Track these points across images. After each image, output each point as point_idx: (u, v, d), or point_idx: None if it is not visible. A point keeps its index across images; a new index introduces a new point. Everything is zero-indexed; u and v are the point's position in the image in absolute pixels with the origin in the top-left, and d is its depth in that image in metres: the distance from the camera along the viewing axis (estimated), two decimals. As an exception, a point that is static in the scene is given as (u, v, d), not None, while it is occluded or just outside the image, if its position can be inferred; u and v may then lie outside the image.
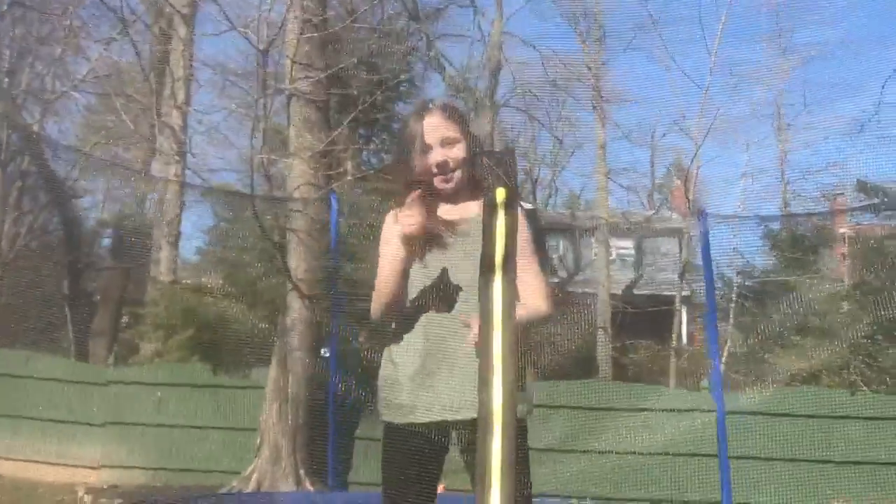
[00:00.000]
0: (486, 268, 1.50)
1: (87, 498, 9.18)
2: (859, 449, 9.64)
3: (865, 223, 17.88)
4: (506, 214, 1.49)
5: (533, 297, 2.53)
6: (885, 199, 9.63)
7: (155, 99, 14.43)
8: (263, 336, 10.03)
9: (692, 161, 21.31)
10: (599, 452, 9.19)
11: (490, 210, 1.51)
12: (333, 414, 6.02)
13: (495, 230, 1.49)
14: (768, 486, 9.09)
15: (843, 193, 26.53)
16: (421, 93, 12.74)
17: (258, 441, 9.52)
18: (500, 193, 1.49)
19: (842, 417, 9.83)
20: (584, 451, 9.28)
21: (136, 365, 11.92)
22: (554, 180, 35.10)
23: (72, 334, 18.99)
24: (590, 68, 23.86)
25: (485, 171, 1.52)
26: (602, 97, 24.91)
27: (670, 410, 9.95)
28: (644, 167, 29.99)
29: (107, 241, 25.19)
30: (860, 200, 12.21)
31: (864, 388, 11.88)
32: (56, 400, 11.40)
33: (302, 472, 9.18)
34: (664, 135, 25.34)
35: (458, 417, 2.30)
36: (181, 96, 14.04)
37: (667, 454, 9.35)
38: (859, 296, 13.18)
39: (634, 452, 9.35)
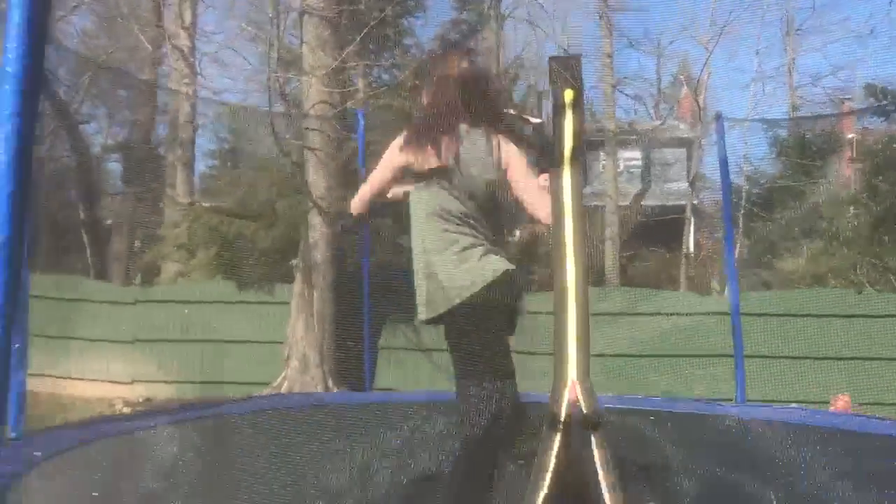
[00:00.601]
0: (556, 162, 1.72)
1: (126, 409, 9.62)
2: (863, 346, 10.02)
3: (872, 127, 17.84)
4: (573, 114, 1.69)
5: (539, 210, 2.78)
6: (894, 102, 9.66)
7: (159, 19, 14.41)
8: (286, 253, 10.29)
9: (703, 68, 21.14)
10: (613, 355, 9.54)
11: (558, 110, 1.71)
12: (368, 318, 6.25)
13: (564, 128, 1.70)
14: (775, 383, 9.46)
15: (850, 98, 26.33)
16: (428, 8, 12.60)
17: (286, 353, 9.91)
18: (568, 94, 1.68)
19: (847, 316, 10.17)
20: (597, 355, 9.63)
21: (161, 285, 12.25)
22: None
23: (90, 257, 19.39)
24: (595, -25, 23.47)
25: (553, 74, 1.71)
26: (608, 5, 24.55)
27: (681, 314, 10.30)
28: (650, 76, 29.70)
29: (116, 166, 25.39)
30: (869, 104, 12.21)
31: (870, 287, 12.14)
32: (86, 320, 11.71)
33: (330, 381, 9.59)
34: (671, 42, 25.08)
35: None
36: (188, 17, 13.95)
37: (676, 356, 9.72)
38: (866, 199, 13.31)
39: (645, 355, 9.75)
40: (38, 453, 3.53)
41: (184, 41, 13.83)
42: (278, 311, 10.54)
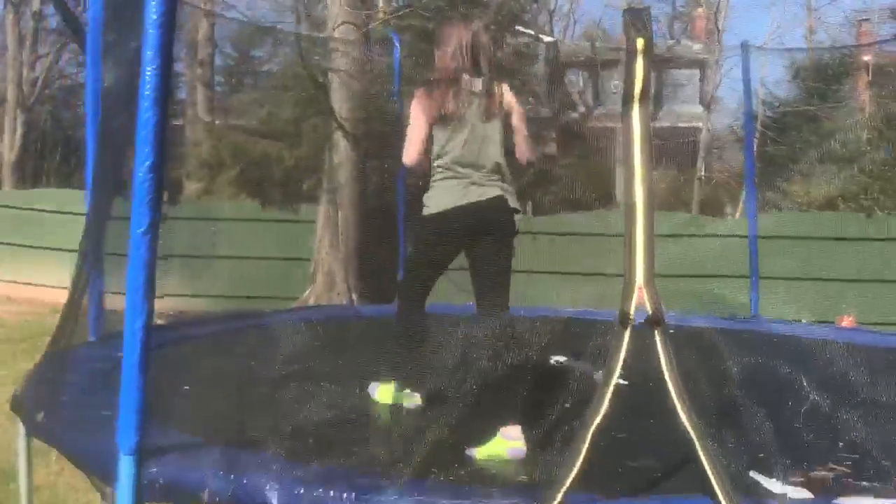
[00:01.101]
0: (627, 100, 2.00)
1: (160, 321, 10.03)
2: (871, 269, 10.35)
3: (891, 49, 17.69)
4: (643, 59, 1.96)
5: (522, 153, 3.50)
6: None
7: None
8: (311, 173, 10.54)
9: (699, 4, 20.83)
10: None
11: (630, 56, 1.98)
12: (402, 238, 6.57)
13: (635, 71, 1.97)
14: (785, 303, 9.82)
15: (868, 19, 25.98)
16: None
17: (312, 269, 10.28)
18: (640, 43, 1.94)
19: (856, 239, 10.47)
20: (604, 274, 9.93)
21: (186, 202, 12.55)
22: (572, 11, 34.28)
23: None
24: None
25: (626, 25, 1.97)
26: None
27: (696, 235, 10.61)
28: (667, -5, 29.26)
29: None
30: (889, 26, 12.19)
31: (880, 212, 12.37)
32: (111, 236, 11.98)
33: (355, 296, 9.98)
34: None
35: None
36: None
37: (691, 276, 10.05)
38: (880, 123, 13.42)
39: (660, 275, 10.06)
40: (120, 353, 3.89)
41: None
42: (302, 230, 10.89)
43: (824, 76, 20.04)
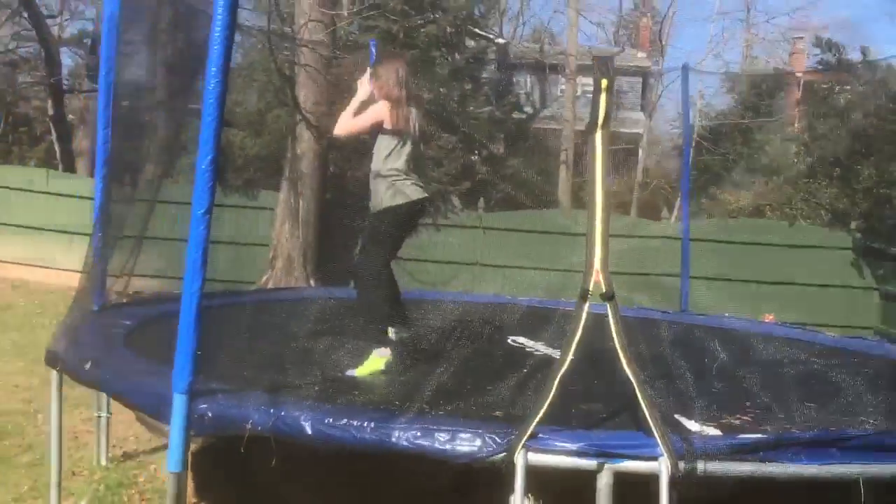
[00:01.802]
0: (592, 127, 2.58)
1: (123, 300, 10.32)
2: (790, 272, 11.26)
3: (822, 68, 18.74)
4: (606, 96, 2.55)
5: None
6: (838, 55, 10.56)
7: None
8: (272, 161, 10.94)
9: (668, 7, 21.79)
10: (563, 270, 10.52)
11: (596, 90, 2.56)
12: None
13: (598, 104, 2.55)
14: (711, 301, 10.62)
15: (802, 37, 27.35)
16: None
17: (271, 255, 10.70)
18: (604, 82, 2.52)
19: (779, 245, 11.37)
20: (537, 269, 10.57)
21: (147, 185, 12.76)
22: (522, 12, 35.05)
23: (58, 152, 19.62)
24: None
25: (595, 68, 2.56)
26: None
27: (631, 236, 11.36)
28: (613, 4, 30.26)
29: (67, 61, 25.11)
30: (815, 54, 13.15)
31: (803, 221, 13.35)
32: (69, 213, 12.11)
33: (312, 282, 10.44)
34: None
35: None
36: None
37: (627, 273, 10.77)
38: (807, 138, 14.41)
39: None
40: (128, 322, 4.36)
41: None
42: (261, 216, 11.29)
43: (758, 91, 21.15)
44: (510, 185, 18.93)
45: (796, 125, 18.76)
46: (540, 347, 4.36)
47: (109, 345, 3.55)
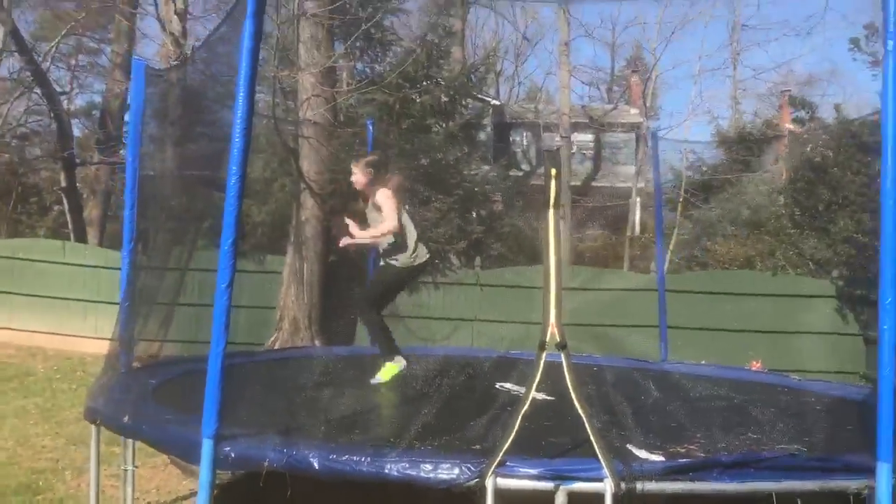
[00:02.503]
0: (546, 205, 3.14)
1: (137, 364, 10.81)
2: (775, 321, 11.70)
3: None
4: (555, 181, 3.10)
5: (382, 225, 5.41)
6: (810, 112, 11.23)
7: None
8: (278, 228, 11.53)
9: (651, 71, 22.65)
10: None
11: (547, 177, 3.12)
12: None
13: (550, 188, 3.11)
14: (698, 350, 11.05)
15: (789, 90, 28.22)
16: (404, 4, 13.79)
17: (278, 316, 11.21)
18: (553, 171, 3.09)
19: (764, 295, 11.85)
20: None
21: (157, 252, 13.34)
22: (517, 73, 36.14)
23: (70, 223, 20.26)
24: (555, -34, 24.86)
25: (546, 159, 3.12)
26: (566, -4, 25.91)
27: (615, 289, 11.87)
28: (604, 63, 31.33)
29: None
30: (793, 112, 13.83)
31: (790, 271, 13.84)
32: (81, 283, 12.68)
33: (318, 342, 10.93)
34: (626, 28, 26.75)
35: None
36: (180, 2, 14.91)
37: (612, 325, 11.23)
38: (792, 192, 14.95)
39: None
40: (153, 381, 4.87)
41: (176, 26, 14.78)
42: (268, 280, 11.82)
43: (747, 142, 21.81)
44: (508, 243, 19.57)
45: (784, 178, 19.35)
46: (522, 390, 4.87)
47: (141, 400, 4.05)
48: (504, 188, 17.67)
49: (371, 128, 6.92)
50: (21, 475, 5.97)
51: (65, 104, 25.27)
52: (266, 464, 3.02)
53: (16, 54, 21.07)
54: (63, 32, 22.51)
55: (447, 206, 12.10)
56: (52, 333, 12.56)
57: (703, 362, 7.26)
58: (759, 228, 14.27)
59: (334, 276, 11.13)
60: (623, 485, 2.71)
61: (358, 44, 12.16)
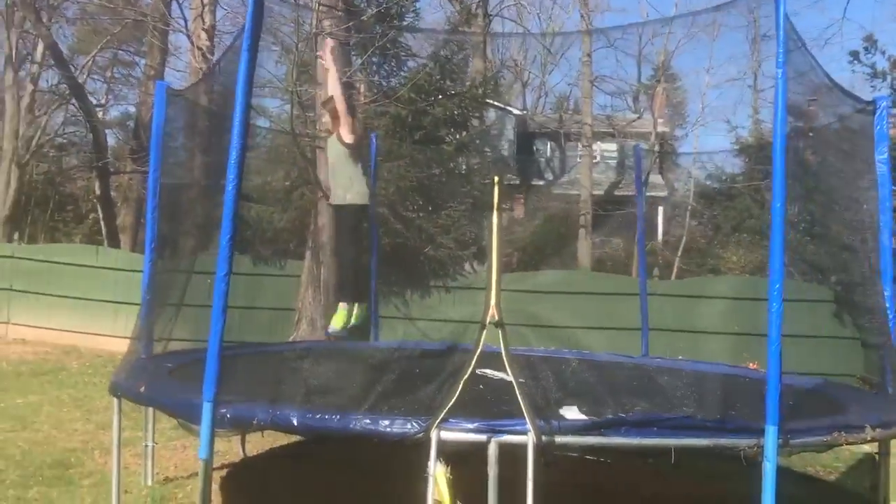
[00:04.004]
0: (491, 209, 3.72)
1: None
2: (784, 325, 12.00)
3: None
4: (498, 187, 3.69)
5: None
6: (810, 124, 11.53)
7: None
8: (297, 234, 12.21)
9: (658, 82, 23.05)
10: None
11: (491, 184, 3.70)
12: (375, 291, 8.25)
13: (494, 196, 3.69)
14: (710, 352, 11.49)
15: (815, 98, 28.35)
16: (422, 23, 14.43)
17: (297, 317, 11.86)
18: (496, 179, 3.68)
19: (762, 300, 12.21)
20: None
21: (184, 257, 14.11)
22: (543, 85, 36.70)
23: (104, 230, 21.22)
24: (577, -21, 25.44)
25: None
26: (588, 7, 26.46)
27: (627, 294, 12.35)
28: (630, 72, 31.77)
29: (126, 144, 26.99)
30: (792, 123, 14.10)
31: (799, 277, 14.18)
32: (115, 285, 13.43)
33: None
34: (650, 40, 27.19)
35: None
36: (208, 19, 15.72)
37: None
38: (791, 198, 15.28)
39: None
40: (169, 364, 5.52)
41: (204, 41, 15.58)
42: (287, 283, 12.49)
43: (767, 153, 22.07)
44: (530, 248, 20.13)
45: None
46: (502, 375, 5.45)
47: (156, 377, 4.70)
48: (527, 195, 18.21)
49: (375, 140, 7.52)
50: (56, 453, 6.69)
51: (100, 115, 26.41)
52: (255, 422, 3.64)
53: (54, 67, 22.19)
54: (100, 46, 23.61)
55: (458, 214, 12.68)
56: (86, 333, 13.37)
57: (679, 357, 7.76)
58: (758, 235, 14.67)
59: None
60: (543, 437, 3.27)
61: (374, 59, 12.79)
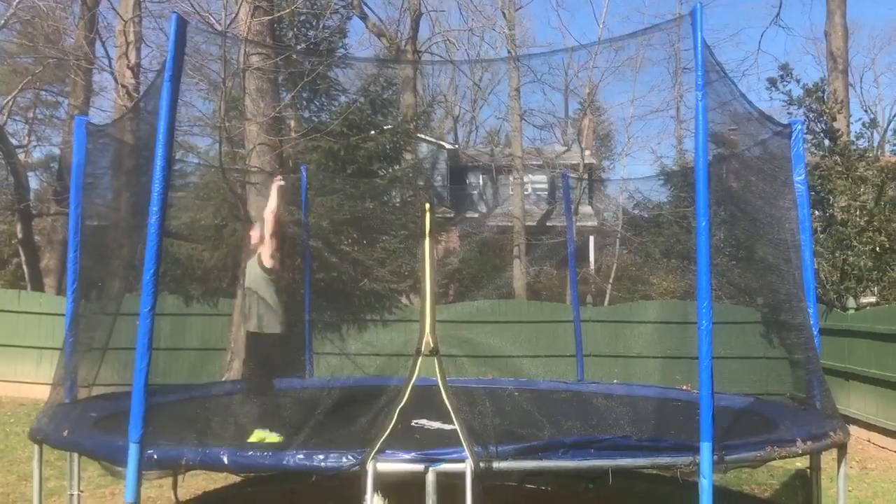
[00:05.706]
0: (423, 235, 3.70)
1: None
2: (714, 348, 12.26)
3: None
4: (429, 214, 3.68)
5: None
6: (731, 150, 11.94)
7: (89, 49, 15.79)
8: (229, 272, 11.97)
9: (585, 114, 23.59)
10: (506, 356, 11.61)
11: (423, 212, 3.70)
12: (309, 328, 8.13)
13: (426, 221, 3.68)
14: (644, 374, 11.65)
15: (735, 128, 29.39)
16: (350, 49, 14.50)
17: (228, 357, 11.58)
18: (427, 205, 3.67)
19: (691, 323, 12.47)
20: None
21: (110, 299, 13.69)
22: (474, 119, 37.17)
23: (27, 273, 20.45)
24: (504, 14, 25.98)
25: (425, 197, 3.70)
26: (515, 44, 27.00)
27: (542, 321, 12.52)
28: (558, 106, 32.43)
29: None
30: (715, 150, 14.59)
31: (725, 300, 14.54)
32: (38, 330, 12.95)
33: (267, 379, 11.30)
34: (576, 73, 27.81)
35: None
36: (133, 57, 15.46)
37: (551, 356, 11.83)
38: (718, 223, 15.74)
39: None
40: (94, 414, 5.30)
41: (129, 79, 15.30)
42: (219, 322, 12.22)
43: (691, 180, 22.69)
44: (466, 278, 20.17)
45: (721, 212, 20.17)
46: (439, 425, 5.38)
47: (80, 421, 4.51)
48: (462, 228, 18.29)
49: (305, 173, 7.46)
50: (-28, 507, 6.34)
51: (22, 156, 25.59)
52: (184, 462, 3.51)
53: (-29, 109, 21.48)
54: (20, 87, 22.97)
55: (393, 246, 12.64)
56: (7, 381, 12.83)
57: (614, 382, 7.84)
58: (685, 260, 15.02)
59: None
60: (482, 464, 3.24)
61: (304, 94, 12.76)
